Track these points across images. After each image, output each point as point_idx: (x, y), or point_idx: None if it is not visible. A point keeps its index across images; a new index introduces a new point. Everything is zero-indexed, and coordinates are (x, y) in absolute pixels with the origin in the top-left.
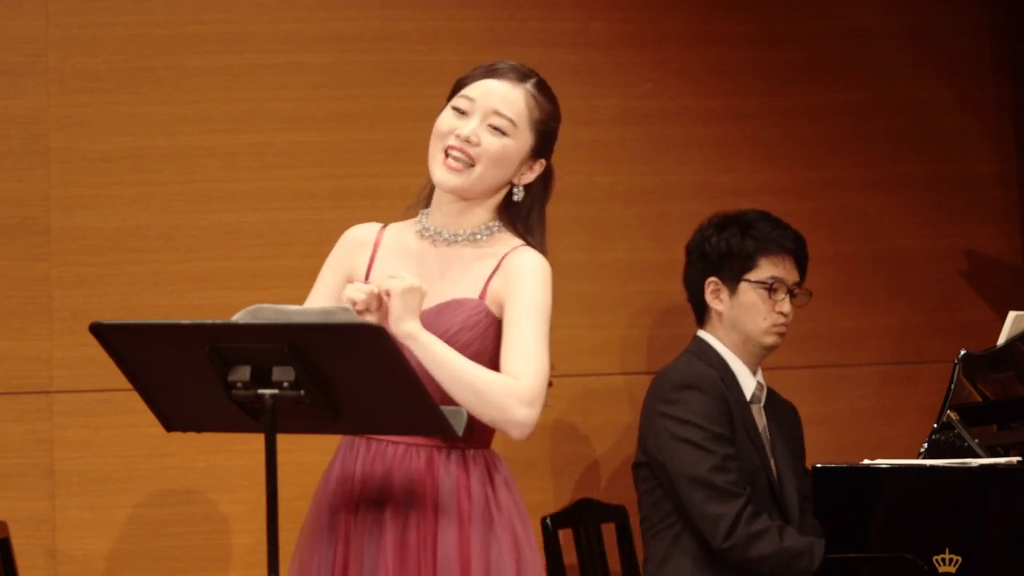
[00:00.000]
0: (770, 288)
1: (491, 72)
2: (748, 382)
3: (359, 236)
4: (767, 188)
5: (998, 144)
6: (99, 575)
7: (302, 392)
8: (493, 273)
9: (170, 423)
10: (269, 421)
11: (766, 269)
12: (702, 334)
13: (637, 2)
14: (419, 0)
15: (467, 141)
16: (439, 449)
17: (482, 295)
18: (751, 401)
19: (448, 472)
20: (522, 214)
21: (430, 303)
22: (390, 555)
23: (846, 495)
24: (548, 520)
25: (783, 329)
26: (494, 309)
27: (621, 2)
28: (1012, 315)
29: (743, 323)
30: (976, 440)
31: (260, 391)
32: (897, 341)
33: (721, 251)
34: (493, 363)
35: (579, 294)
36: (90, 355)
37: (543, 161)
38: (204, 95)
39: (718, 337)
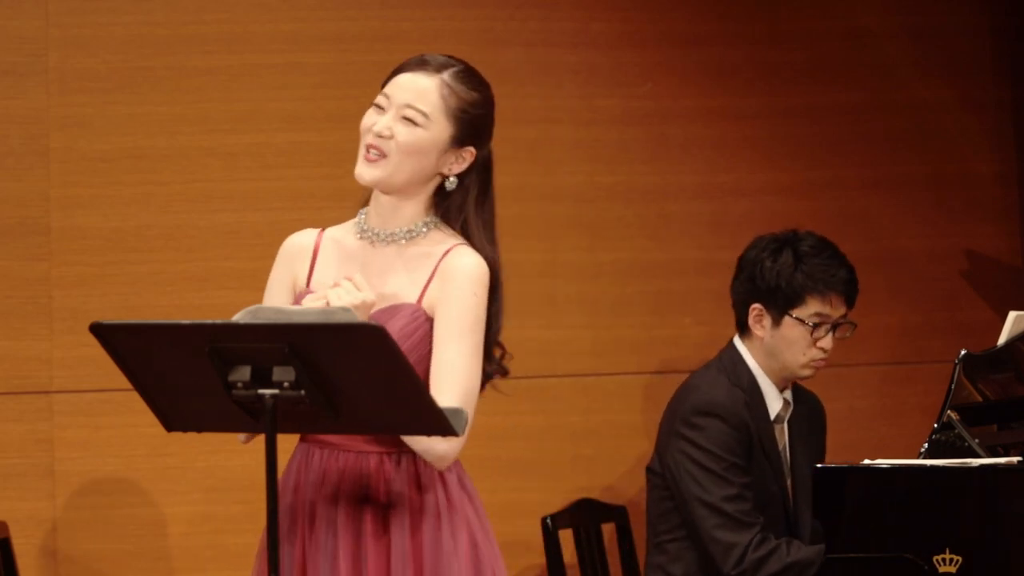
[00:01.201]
0: (814, 326)
1: (406, 66)
2: (774, 402)
3: (298, 243)
4: (767, 188)
5: (998, 144)
6: (99, 575)
7: (302, 392)
8: (431, 278)
9: (170, 423)
10: (269, 421)
11: (812, 307)
12: (738, 344)
13: (637, 2)
14: (419, 0)
15: (379, 135)
16: (389, 455)
17: (420, 299)
18: (775, 421)
19: (398, 473)
20: (455, 205)
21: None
22: (342, 558)
23: (846, 495)
24: (548, 520)
25: (821, 364)
26: (432, 314)
27: (621, 2)
28: (1012, 315)
29: (782, 354)
30: (976, 440)
31: (260, 391)
32: (897, 341)
33: (770, 283)
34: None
35: (579, 294)
36: (90, 355)
37: (472, 149)
38: (204, 95)
39: (753, 355)
